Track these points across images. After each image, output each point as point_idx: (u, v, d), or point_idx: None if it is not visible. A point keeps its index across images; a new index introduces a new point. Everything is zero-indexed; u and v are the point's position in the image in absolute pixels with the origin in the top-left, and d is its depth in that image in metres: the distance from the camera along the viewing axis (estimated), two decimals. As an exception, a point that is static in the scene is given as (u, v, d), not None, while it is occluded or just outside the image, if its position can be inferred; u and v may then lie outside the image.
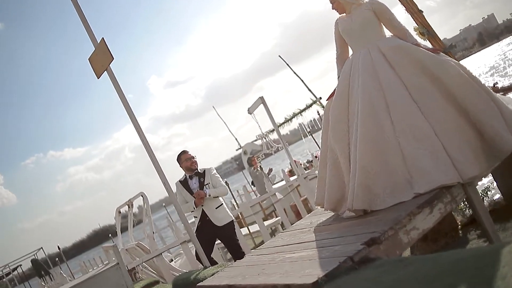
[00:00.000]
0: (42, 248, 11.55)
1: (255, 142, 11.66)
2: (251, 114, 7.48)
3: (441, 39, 4.46)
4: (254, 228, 6.76)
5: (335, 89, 3.37)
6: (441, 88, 2.94)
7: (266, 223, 6.54)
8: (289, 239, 3.18)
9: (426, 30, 4.35)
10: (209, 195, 4.38)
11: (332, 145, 3.22)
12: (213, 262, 4.19)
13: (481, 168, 2.73)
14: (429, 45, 4.17)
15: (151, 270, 5.65)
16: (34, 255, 11.22)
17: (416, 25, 4.37)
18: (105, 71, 3.56)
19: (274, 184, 9.50)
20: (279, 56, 9.68)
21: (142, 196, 5.55)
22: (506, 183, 3.59)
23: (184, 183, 4.53)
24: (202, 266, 4.71)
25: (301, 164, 10.11)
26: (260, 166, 7.86)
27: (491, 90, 3.06)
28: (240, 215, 6.81)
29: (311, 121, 9.42)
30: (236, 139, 11.84)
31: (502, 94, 3.68)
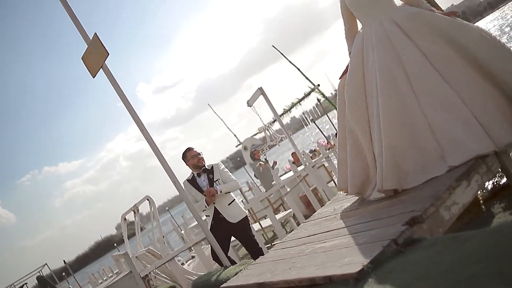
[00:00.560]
0: (46, 264, 11.31)
1: (255, 137, 11.47)
2: (250, 106, 7.27)
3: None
4: (265, 223, 6.58)
5: (347, 67, 3.18)
6: (464, 54, 2.75)
7: (278, 216, 6.35)
8: (314, 228, 3.00)
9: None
10: (220, 192, 4.18)
11: (351, 125, 3.03)
12: (231, 262, 4.00)
13: None
14: None
15: (164, 276, 5.45)
16: (39, 272, 10.97)
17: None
18: (101, 69, 3.34)
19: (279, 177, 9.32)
20: (273, 46, 9.46)
21: (148, 199, 5.34)
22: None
23: (192, 181, 4.32)
24: (218, 267, 4.53)
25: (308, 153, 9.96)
26: (265, 159, 7.66)
27: None
28: (250, 211, 6.62)
29: (311, 109, 9.23)
30: (235, 135, 11.64)
31: None
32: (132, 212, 5.75)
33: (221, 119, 11.75)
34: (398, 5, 3.08)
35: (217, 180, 4.28)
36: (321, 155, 6.90)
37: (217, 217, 4.20)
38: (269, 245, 6.42)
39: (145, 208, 6.12)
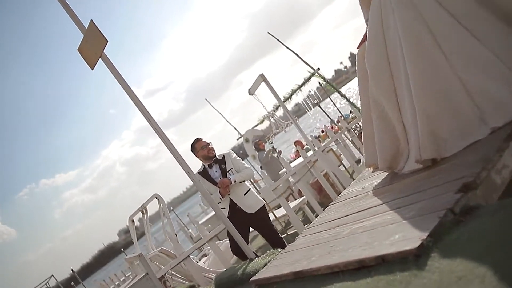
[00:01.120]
0: (53, 275, 11.10)
1: (256, 128, 11.26)
2: (252, 94, 7.07)
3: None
4: (277, 213, 6.39)
5: (365, 35, 2.98)
6: (492, 7, 2.55)
7: (291, 204, 6.17)
8: (345, 209, 2.81)
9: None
10: (235, 181, 3.97)
11: (376, 97, 2.84)
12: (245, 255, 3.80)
13: None
14: None
15: (180, 276, 5.26)
16: (46, 284, 10.76)
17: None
18: (100, 59, 3.12)
19: (281, 169, 9.13)
20: (268, 32, 9.21)
21: (156, 198, 5.14)
22: None
23: (204, 173, 4.11)
24: (238, 262, 4.34)
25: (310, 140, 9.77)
26: (273, 147, 7.45)
27: None
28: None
29: (312, 94, 9.02)
30: (235, 128, 11.42)
31: None
32: (140, 213, 5.54)
33: (220, 113, 11.53)
34: None
35: (230, 169, 4.07)
36: (329, 139, 6.71)
37: (234, 209, 4.00)
38: (285, 235, 6.25)
39: (150, 208, 5.93)
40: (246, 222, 4.01)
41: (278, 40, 9.31)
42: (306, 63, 9.18)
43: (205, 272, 5.01)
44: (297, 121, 6.62)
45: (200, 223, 12.94)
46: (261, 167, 9.46)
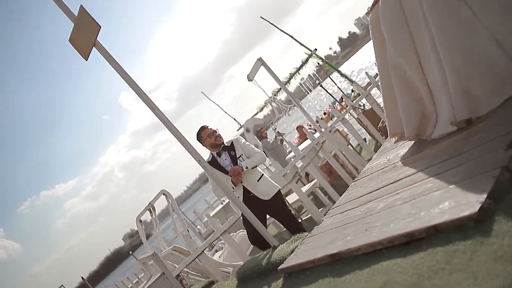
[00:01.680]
0: (62, 285, 10.94)
1: (256, 117, 11.07)
2: (251, 80, 6.86)
3: None
4: (290, 199, 6.21)
5: None
6: None
7: (303, 189, 5.99)
8: (372, 184, 2.63)
9: None
10: (246, 168, 3.77)
11: (395, 60, 2.64)
12: (267, 243, 3.61)
13: None
14: None
15: (195, 273, 5.09)
16: (56, 294, 10.61)
17: None
18: (94, 47, 2.90)
19: (287, 155, 8.95)
20: (261, 17, 8.98)
21: (164, 194, 4.95)
22: None
23: (213, 163, 3.90)
24: (257, 252, 4.16)
25: (310, 126, 9.58)
26: (278, 132, 7.26)
27: None
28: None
29: (311, 75, 8.83)
30: (234, 119, 11.21)
31: None
32: (148, 212, 5.36)
33: (217, 105, 11.32)
34: None
35: (240, 156, 3.87)
36: (335, 119, 6.52)
37: (248, 197, 3.80)
38: (299, 221, 6.07)
39: (156, 206, 5.74)
40: (262, 209, 3.81)
41: (271, 24, 9.09)
42: (302, 45, 8.98)
43: (222, 266, 4.84)
44: (300, 102, 6.41)
45: (205, 220, 12.80)
46: (267, 155, 9.28)
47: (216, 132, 3.97)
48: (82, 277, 7.94)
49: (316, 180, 6.13)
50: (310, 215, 5.89)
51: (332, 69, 9.02)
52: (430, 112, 2.55)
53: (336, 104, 8.94)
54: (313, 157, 5.91)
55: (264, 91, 7.53)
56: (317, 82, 8.30)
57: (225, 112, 11.45)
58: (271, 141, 8.33)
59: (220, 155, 3.93)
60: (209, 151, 4.00)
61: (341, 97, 8.76)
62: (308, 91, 8.77)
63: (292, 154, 8.26)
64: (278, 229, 6.61)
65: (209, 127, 4.01)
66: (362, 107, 7.68)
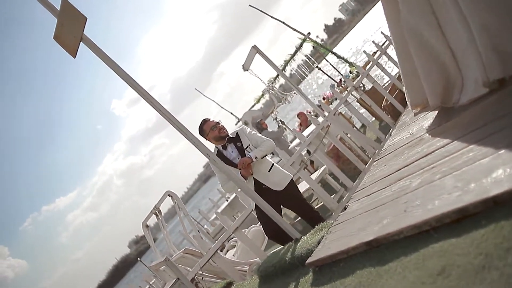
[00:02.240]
0: (72, 299, 10.73)
1: (253, 109, 10.85)
2: (247, 70, 6.64)
3: None
4: (300, 188, 6.00)
5: None
6: None
7: (313, 177, 5.80)
8: (399, 160, 2.42)
9: None
10: (256, 158, 3.55)
11: (411, 24, 2.43)
12: (287, 236, 3.41)
13: None
14: None
15: (210, 274, 4.89)
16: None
17: None
18: (81, 42, 2.67)
19: (289, 144, 8.76)
20: (250, 5, 8.71)
21: (169, 195, 4.74)
22: None
23: (219, 157, 3.67)
24: (275, 247, 3.97)
25: (310, 112, 9.37)
26: (280, 120, 7.05)
27: None
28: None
29: (306, 60, 8.61)
30: (231, 113, 10.99)
31: None
32: (154, 216, 5.15)
33: (213, 100, 11.10)
34: None
35: (247, 146, 3.66)
36: (335, 103, 6.32)
37: (260, 189, 3.58)
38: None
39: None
40: (276, 201, 3.58)
41: (261, 11, 8.85)
42: (295, 30, 8.75)
43: (237, 265, 4.65)
44: (299, 86, 6.19)
45: (211, 219, 12.59)
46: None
47: (219, 123, 3.75)
48: (91, 290, 7.72)
49: (325, 166, 5.93)
50: (322, 203, 5.70)
51: (327, 52, 8.80)
52: (455, 76, 2.35)
53: (335, 88, 8.74)
54: (319, 143, 5.70)
55: (261, 80, 7.32)
56: (315, 66, 8.07)
57: (221, 107, 11.22)
58: (276, 131, 8.11)
59: (226, 147, 3.71)
60: (213, 145, 3.78)
61: (340, 80, 8.55)
62: (305, 75, 8.54)
63: (295, 142, 8.07)
64: (290, 220, 6.42)
65: (211, 120, 3.79)
66: (363, 88, 7.48)
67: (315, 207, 6.09)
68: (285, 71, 9.10)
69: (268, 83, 8.80)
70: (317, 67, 8.13)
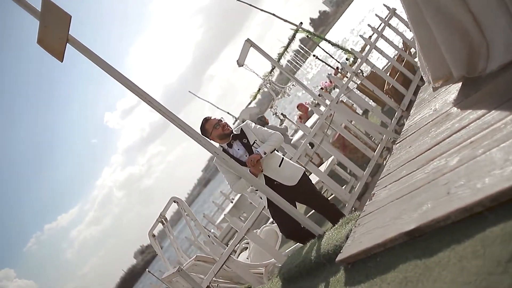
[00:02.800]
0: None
1: (249, 106, 10.67)
2: (242, 65, 6.44)
3: None
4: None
5: None
6: None
7: (321, 169, 5.61)
8: (427, 139, 2.23)
9: None
10: (265, 154, 3.35)
11: None
12: (308, 233, 3.21)
13: None
14: None
15: (225, 281, 4.70)
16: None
17: None
18: (67, 44, 2.47)
19: (291, 137, 8.57)
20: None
21: (175, 201, 4.53)
22: None
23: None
24: (292, 245, 3.77)
25: (309, 104, 9.19)
26: (281, 114, 6.85)
27: None
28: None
29: (300, 50, 8.42)
30: (228, 113, 10.80)
31: None
32: (160, 224, 4.94)
33: (207, 101, 10.90)
34: None
35: (254, 142, 3.45)
36: (334, 92, 6.13)
37: (272, 186, 3.35)
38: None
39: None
40: (290, 197, 3.35)
41: (250, 5, 8.65)
42: (286, 21, 8.58)
43: (253, 268, 4.45)
44: (298, 70, 5.99)
45: (217, 223, 12.38)
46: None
47: (221, 120, 3.54)
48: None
49: (333, 157, 5.74)
50: (332, 195, 5.51)
51: (320, 40, 8.63)
52: (479, 43, 2.16)
53: (332, 76, 8.57)
54: (325, 133, 5.51)
55: (257, 74, 7.13)
56: (312, 54, 7.89)
57: (217, 107, 11.03)
58: (282, 127, 7.92)
59: (231, 145, 3.50)
60: (217, 144, 3.56)
61: (337, 68, 8.38)
62: (298, 66, 8.37)
63: (298, 135, 7.87)
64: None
65: (212, 118, 3.58)
66: (361, 73, 7.30)
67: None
68: (280, 63, 8.93)
69: (264, 77, 8.62)
70: (314, 55, 7.94)
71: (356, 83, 6.69)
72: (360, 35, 7.00)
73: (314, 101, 7.45)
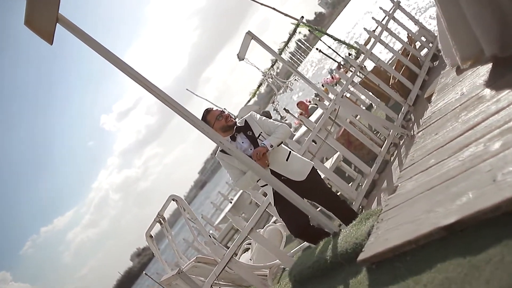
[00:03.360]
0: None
1: (249, 104, 10.48)
2: (243, 59, 6.24)
3: None
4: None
5: None
6: None
7: (327, 165, 5.41)
8: (457, 125, 2.03)
9: None
10: (271, 147, 3.14)
11: None
12: (319, 231, 3.01)
13: None
14: None
15: (227, 283, 4.48)
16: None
17: None
18: (57, 23, 2.26)
19: (294, 133, 8.38)
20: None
21: (174, 199, 4.31)
22: None
23: (227, 151, 3.25)
24: (298, 244, 3.56)
25: (309, 102, 8.99)
26: (284, 109, 6.65)
27: None
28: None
29: (301, 45, 8.23)
30: (226, 110, 10.58)
31: None
32: (158, 224, 4.72)
33: (205, 99, 10.69)
34: None
35: (259, 134, 3.24)
36: (344, 85, 5.92)
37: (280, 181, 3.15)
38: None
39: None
40: (298, 193, 3.15)
41: (255, 1, 8.46)
42: (287, 15, 8.39)
43: (256, 269, 4.25)
44: (297, 69, 5.80)
45: (215, 224, 12.15)
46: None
47: (224, 112, 3.34)
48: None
49: (338, 153, 5.54)
50: (340, 192, 5.31)
51: (321, 34, 8.45)
52: (513, 18, 1.96)
53: (334, 72, 8.39)
54: (330, 128, 5.31)
55: (258, 69, 6.93)
56: (317, 48, 7.69)
57: (215, 105, 10.81)
58: (287, 123, 7.73)
59: (235, 138, 3.29)
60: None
61: (339, 63, 8.19)
62: (299, 62, 8.19)
63: (300, 132, 7.68)
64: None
65: (214, 109, 3.38)
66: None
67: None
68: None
69: (265, 72, 8.43)
70: (317, 48, 7.75)
71: (361, 77, 6.50)
72: (364, 28, 6.81)
73: (315, 98, 7.26)
